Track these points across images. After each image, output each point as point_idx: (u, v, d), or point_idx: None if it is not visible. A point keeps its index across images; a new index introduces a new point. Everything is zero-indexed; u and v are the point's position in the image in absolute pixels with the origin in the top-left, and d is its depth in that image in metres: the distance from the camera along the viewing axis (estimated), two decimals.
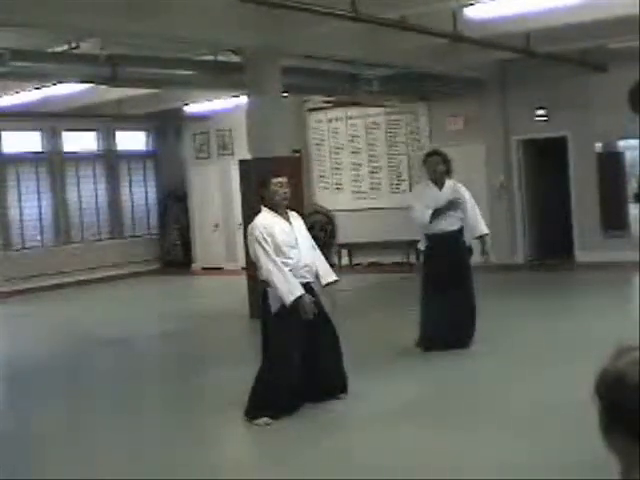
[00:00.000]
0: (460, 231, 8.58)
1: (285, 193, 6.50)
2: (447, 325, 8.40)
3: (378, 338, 9.54)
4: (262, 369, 6.50)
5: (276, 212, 6.48)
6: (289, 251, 6.35)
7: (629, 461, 1.63)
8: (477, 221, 8.64)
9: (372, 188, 17.53)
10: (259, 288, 6.41)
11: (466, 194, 8.64)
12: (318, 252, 6.80)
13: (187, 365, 9.31)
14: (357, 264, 17.31)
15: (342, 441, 6.02)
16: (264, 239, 6.26)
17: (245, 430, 6.47)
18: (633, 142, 14.47)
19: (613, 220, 14.83)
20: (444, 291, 8.39)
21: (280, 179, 6.49)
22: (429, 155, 8.90)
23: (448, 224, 8.51)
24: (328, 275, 6.68)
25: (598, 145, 14.95)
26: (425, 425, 6.19)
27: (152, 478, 5.40)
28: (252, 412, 6.41)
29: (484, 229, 8.69)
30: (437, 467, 5.24)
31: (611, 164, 14.86)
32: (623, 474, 1.64)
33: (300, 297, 6.17)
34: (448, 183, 8.63)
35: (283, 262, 6.27)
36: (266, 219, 6.42)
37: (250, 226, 6.43)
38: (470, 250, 8.67)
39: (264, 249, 6.23)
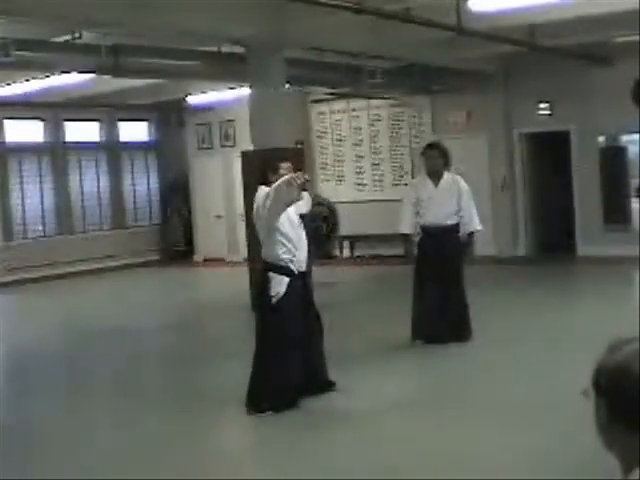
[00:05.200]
0: (456, 226, 8.55)
1: None
2: (439, 319, 8.38)
3: (378, 331, 9.51)
4: (257, 362, 6.55)
5: None
6: (291, 231, 6.54)
7: (631, 458, 1.60)
8: (471, 217, 8.57)
9: (374, 180, 17.51)
10: (258, 278, 6.49)
11: (464, 188, 8.60)
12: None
13: (187, 358, 9.30)
14: (359, 256, 17.29)
15: (341, 437, 5.99)
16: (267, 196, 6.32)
17: (244, 425, 6.48)
18: (636, 136, 14.43)
19: (615, 214, 14.80)
20: (433, 284, 8.39)
21: (288, 164, 6.79)
22: (427, 148, 8.87)
23: (444, 218, 8.49)
24: None
25: (601, 139, 14.92)
26: (424, 422, 6.17)
27: (150, 477, 5.38)
28: (253, 406, 6.44)
29: (477, 226, 8.62)
30: (436, 465, 5.23)
31: (614, 158, 14.83)
32: (625, 473, 1.62)
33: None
34: (446, 176, 8.60)
35: (284, 242, 6.43)
36: None
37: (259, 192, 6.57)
38: (465, 246, 8.64)
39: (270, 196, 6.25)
